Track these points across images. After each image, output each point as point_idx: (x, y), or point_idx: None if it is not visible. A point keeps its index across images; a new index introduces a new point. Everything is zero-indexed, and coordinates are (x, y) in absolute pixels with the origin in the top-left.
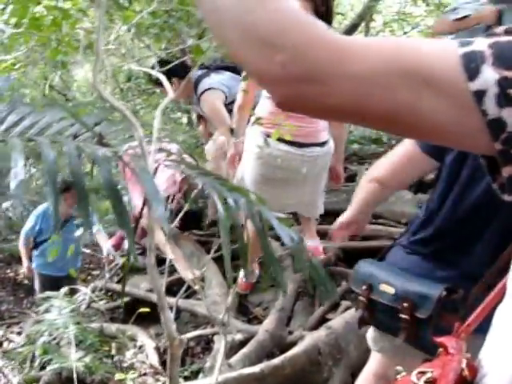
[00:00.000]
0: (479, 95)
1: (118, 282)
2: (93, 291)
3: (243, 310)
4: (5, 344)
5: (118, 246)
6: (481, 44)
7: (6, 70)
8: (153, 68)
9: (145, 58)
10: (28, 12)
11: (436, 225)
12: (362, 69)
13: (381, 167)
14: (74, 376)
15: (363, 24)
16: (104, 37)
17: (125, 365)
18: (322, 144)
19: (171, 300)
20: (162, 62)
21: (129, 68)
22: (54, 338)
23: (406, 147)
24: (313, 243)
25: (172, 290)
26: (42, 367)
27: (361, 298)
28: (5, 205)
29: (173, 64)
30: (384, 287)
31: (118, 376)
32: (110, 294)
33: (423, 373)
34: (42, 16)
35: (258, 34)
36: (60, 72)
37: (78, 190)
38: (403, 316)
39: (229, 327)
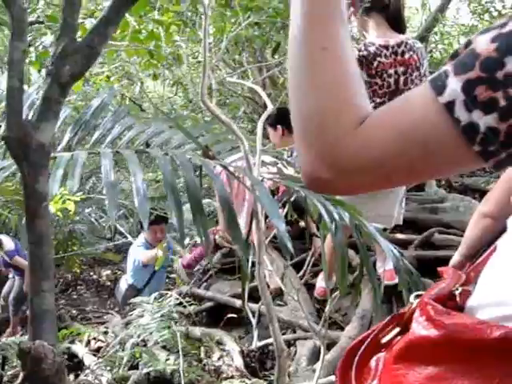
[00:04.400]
0: (449, 106)
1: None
2: (179, 295)
3: (321, 315)
4: (92, 343)
5: (189, 267)
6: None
7: (101, 83)
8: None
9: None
10: (129, 25)
11: None
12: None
13: (490, 201)
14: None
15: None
16: (192, 48)
17: (212, 368)
18: None
19: (253, 306)
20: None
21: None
22: (143, 340)
23: (507, 173)
24: (387, 266)
25: (253, 296)
26: (130, 367)
27: None
28: (87, 210)
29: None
30: None
31: (208, 379)
32: (193, 298)
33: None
34: (143, 28)
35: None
36: (138, 84)
37: (195, 205)
38: None
39: (310, 333)
